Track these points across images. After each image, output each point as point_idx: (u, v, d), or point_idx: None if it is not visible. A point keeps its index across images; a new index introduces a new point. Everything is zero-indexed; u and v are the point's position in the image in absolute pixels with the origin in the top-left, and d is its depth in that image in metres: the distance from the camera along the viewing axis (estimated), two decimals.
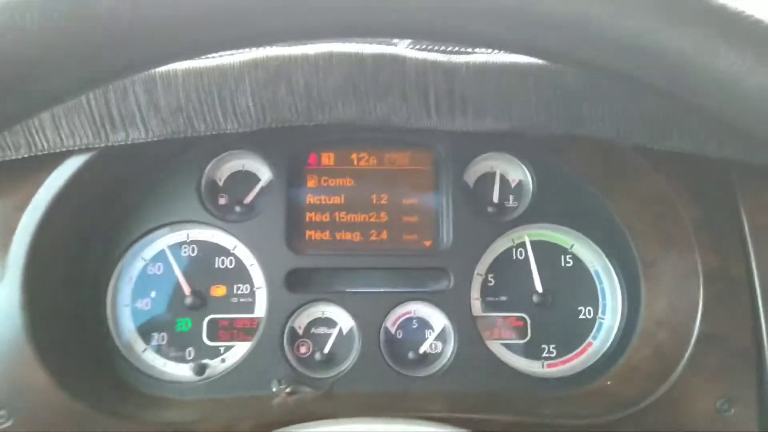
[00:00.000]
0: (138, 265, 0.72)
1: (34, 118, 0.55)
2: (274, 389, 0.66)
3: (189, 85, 0.57)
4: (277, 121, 0.60)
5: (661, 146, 0.61)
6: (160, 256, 0.72)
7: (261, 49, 0.57)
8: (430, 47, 0.60)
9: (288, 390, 0.66)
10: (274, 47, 0.57)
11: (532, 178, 0.74)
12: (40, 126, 0.59)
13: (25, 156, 0.60)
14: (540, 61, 0.57)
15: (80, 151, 0.61)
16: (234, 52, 0.58)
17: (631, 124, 0.60)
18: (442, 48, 0.60)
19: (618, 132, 0.60)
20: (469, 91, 0.59)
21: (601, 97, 0.59)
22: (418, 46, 0.60)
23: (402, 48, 0.60)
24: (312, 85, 0.58)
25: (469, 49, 0.60)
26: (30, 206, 0.62)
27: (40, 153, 0.60)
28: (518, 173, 0.76)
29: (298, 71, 0.57)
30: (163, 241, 0.72)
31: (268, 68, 0.57)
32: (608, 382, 0.69)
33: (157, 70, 0.56)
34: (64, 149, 0.60)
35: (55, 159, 0.62)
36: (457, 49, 0.60)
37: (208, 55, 0.57)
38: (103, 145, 0.59)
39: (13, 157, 0.60)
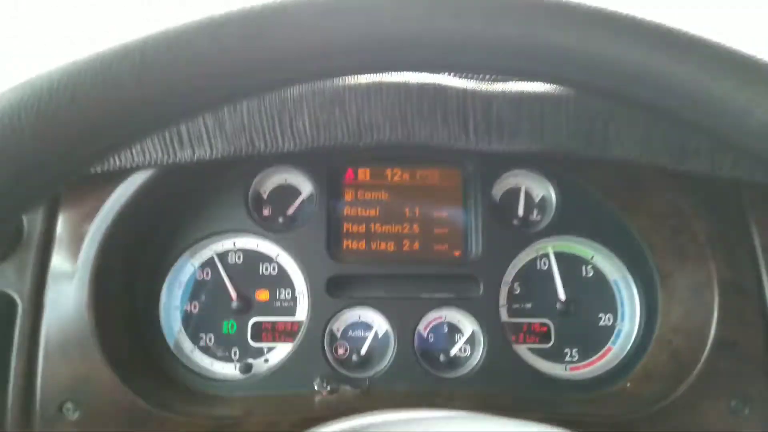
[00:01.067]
0: (188, 270, 0.77)
1: None
2: (316, 387, 0.71)
3: (252, 108, 0.62)
4: (330, 140, 0.65)
5: (679, 168, 0.66)
6: (208, 263, 0.77)
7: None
8: (469, 76, 0.65)
9: (329, 388, 0.71)
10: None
11: (555, 194, 0.78)
12: None
13: (97, 171, 0.66)
14: (572, 91, 0.63)
15: (146, 166, 0.67)
16: None
17: (653, 147, 0.65)
18: (480, 77, 0.65)
19: (641, 155, 0.65)
20: (506, 117, 0.64)
21: (627, 122, 0.64)
22: (458, 76, 0.65)
23: (444, 77, 0.65)
24: (363, 110, 0.63)
25: (506, 79, 0.65)
26: (98, 217, 0.67)
27: (111, 170, 0.66)
28: (542, 189, 0.80)
29: (352, 98, 0.63)
30: (212, 248, 0.77)
31: (324, 94, 0.62)
32: (628, 385, 0.73)
33: None
34: (133, 165, 0.65)
35: (120, 174, 0.68)
36: (494, 78, 0.65)
37: None
38: (170, 162, 0.65)
39: (87, 173, 0.66)
